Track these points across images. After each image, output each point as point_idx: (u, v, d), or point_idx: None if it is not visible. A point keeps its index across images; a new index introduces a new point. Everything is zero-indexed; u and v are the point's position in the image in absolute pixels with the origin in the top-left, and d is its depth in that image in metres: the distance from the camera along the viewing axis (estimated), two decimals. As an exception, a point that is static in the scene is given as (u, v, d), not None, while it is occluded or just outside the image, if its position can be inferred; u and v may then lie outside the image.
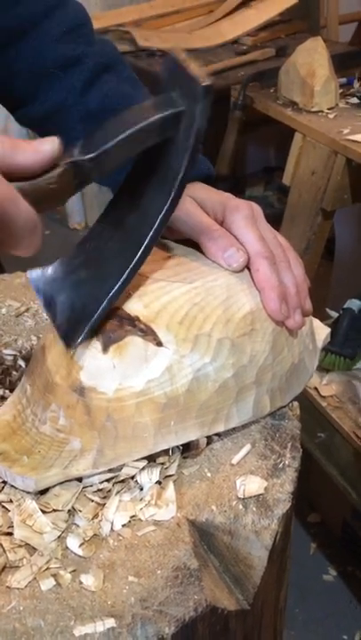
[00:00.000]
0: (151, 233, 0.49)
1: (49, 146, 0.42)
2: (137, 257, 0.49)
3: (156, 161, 0.49)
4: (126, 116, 0.46)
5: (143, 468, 0.52)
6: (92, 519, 0.50)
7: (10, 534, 0.49)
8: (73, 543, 0.48)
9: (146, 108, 0.47)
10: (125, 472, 0.51)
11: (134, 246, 0.50)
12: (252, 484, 0.52)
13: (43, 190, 0.42)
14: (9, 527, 0.49)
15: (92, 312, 0.50)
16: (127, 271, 0.50)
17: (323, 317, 1.38)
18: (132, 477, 0.52)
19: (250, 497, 0.51)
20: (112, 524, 0.49)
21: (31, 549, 0.48)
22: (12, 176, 0.41)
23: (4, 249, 0.42)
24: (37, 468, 0.50)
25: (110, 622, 0.43)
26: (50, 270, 0.53)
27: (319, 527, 1.55)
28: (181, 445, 0.54)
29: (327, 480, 1.35)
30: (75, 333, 0.51)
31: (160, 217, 0.49)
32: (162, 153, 0.49)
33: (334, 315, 1.40)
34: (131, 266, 0.49)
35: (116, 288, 0.50)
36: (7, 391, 0.60)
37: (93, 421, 0.51)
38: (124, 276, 0.50)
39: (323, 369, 1.33)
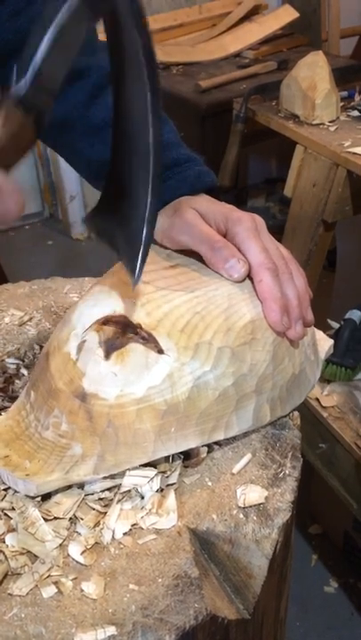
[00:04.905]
0: (152, 130, 0.47)
1: None
2: (152, 159, 0.48)
3: (119, 58, 0.46)
4: (44, 18, 0.39)
5: (145, 477, 0.52)
6: (94, 527, 0.50)
7: (11, 541, 0.49)
8: (74, 551, 0.48)
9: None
10: (132, 482, 0.52)
11: (144, 150, 0.48)
12: (253, 494, 0.52)
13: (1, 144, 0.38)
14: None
15: (138, 232, 0.49)
16: (150, 180, 0.48)
17: (324, 328, 1.39)
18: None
19: (250, 506, 0.51)
20: (113, 532, 0.49)
21: (33, 557, 0.48)
22: None
23: None
24: (39, 472, 0.51)
25: (111, 630, 0.43)
26: (94, 210, 0.53)
27: (320, 539, 1.55)
28: (182, 454, 0.54)
29: (328, 491, 1.35)
30: (135, 261, 0.50)
31: (149, 103, 0.46)
32: (118, 50, 0.44)
33: (336, 325, 1.41)
34: (151, 173, 0.48)
35: (149, 201, 0.49)
36: (10, 399, 0.61)
37: (95, 427, 0.51)
38: (150, 187, 0.48)
39: (324, 379, 1.33)
